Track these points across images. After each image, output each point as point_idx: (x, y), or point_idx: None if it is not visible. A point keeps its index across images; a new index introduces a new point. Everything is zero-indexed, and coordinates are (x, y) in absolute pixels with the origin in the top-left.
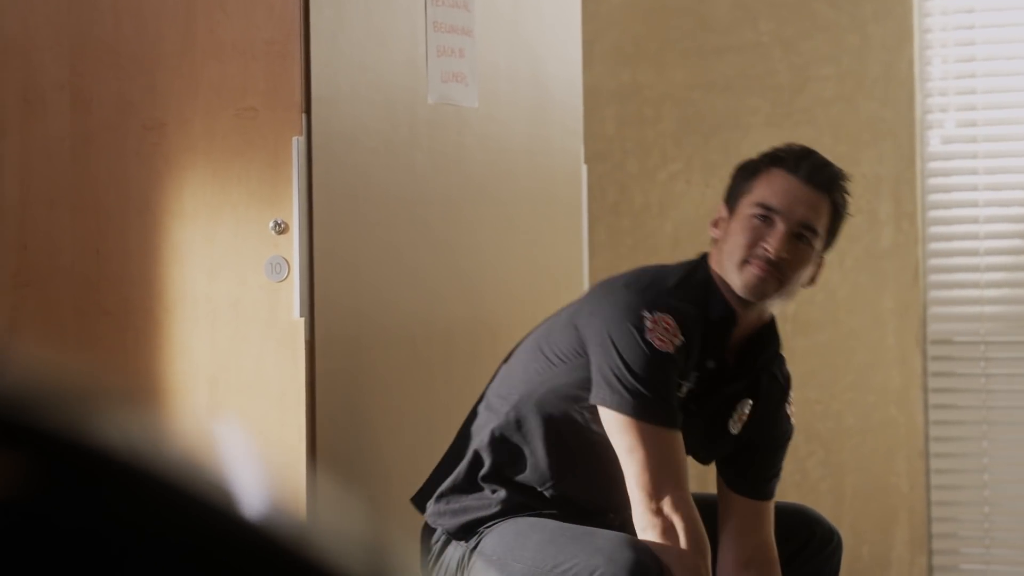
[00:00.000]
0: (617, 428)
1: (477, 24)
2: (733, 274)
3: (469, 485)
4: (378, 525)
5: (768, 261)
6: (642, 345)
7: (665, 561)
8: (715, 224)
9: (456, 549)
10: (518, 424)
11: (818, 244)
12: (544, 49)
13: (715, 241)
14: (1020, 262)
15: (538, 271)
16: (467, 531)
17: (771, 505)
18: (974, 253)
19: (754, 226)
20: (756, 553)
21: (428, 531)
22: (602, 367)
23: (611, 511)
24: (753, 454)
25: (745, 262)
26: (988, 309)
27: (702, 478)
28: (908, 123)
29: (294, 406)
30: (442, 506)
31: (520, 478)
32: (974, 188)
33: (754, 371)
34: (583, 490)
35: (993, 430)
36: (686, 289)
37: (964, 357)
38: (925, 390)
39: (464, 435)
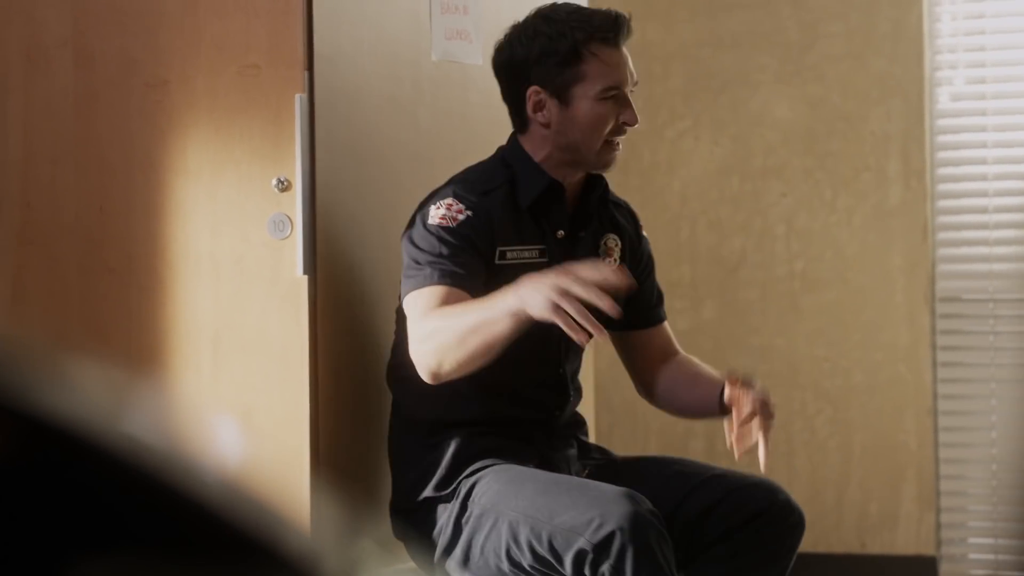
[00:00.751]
0: (406, 309)
1: None
2: (593, 157)
3: (413, 449)
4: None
5: (625, 130)
6: (422, 229)
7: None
8: (537, 109)
9: (443, 509)
10: (400, 370)
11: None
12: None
13: (533, 124)
14: None
15: None
16: (444, 485)
17: (666, 328)
18: (983, 211)
19: (610, 110)
20: (669, 359)
21: (404, 512)
22: (403, 267)
23: (528, 391)
24: (634, 295)
25: (608, 143)
26: (996, 267)
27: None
28: (917, 80)
29: (297, 363)
30: (410, 474)
31: (436, 414)
32: (983, 145)
33: (596, 211)
34: (496, 393)
35: (1001, 388)
36: (475, 173)
37: (972, 315)
38: (933, 348)
39: (399, 393)
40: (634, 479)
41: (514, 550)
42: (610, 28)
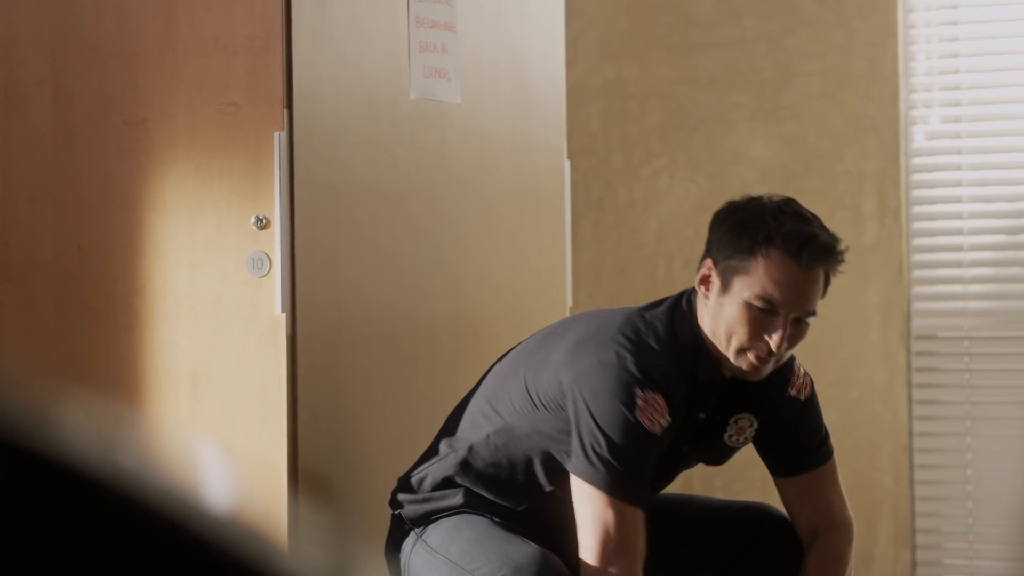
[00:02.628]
0: (583, 497)
1: (460, 20)
2: (729, 356)
3: (441, 483)
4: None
5: (770, 354)
6: (631, 422)
7: None
8: (703, 282)
9: (411, 537)
10: (497, 448)
11: (815, 317)
12: (527, 45)
13: (702, 297)
14: (1004, 258)
15: (521, 267)
16: (423, 521)
17: (821, 473)
18: (958, 249)
19: (755, 318)
20: (815, 516)
21: (394, 519)
22: (583, 436)
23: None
24: (779, 441)
25: (744, 352)
26: (972, 305)
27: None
28: (892, 119)
29: (276, 402)
30: (409, 495)
31: (490, 492)
32: (958, 184)
33: (741, 393)
34: (550, 510)
35: (977, 425)
36: (674, 356)
37: (948, 352)
38: (909, 385)
39: (445, 433)
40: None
41: None
42: (798, 242)
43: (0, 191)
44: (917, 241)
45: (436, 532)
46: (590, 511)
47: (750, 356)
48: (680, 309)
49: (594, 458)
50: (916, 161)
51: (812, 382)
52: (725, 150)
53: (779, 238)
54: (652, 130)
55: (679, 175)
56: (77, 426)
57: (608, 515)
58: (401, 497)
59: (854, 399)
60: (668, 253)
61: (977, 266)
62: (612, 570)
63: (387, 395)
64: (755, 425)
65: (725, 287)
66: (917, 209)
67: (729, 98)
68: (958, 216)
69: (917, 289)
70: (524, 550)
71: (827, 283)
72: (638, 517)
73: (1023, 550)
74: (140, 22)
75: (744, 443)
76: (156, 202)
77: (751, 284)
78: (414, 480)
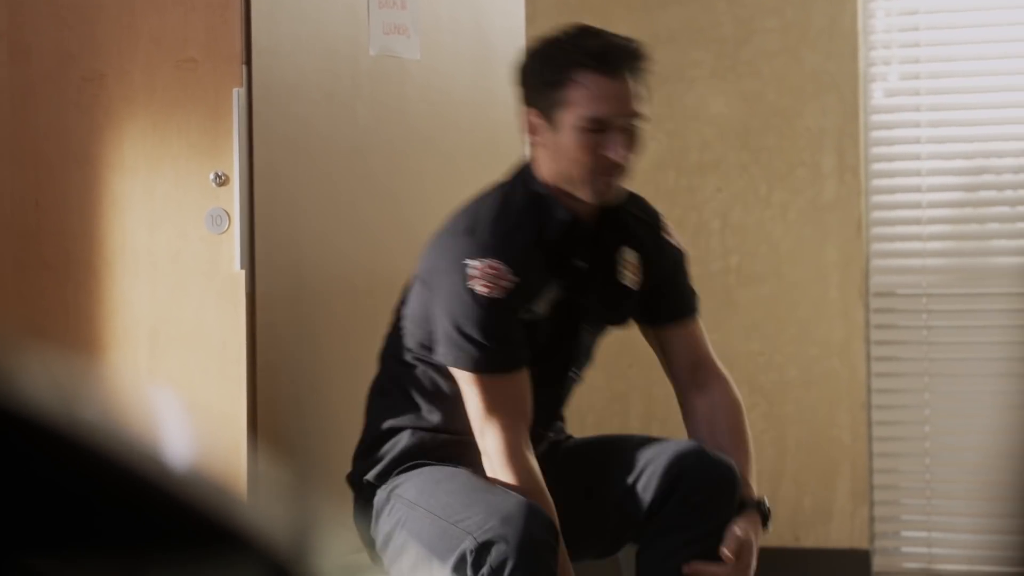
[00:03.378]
0: (459, 380)
1: None
2: (581, 188)
3: (384, 432)
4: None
5: (615, 166)
6: (471, 294)
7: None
8: (531, 131)
9: (379, 495)
10: (396, 378)
11: (645, 118)
12: (487, 1)
13: (536, 147)
14: (962, 215)
15: None
16: (384, 476)
17: (697, 323)
18: (916, 206)
19: (589, 141)
20: (697, 361)
21: (355, 487)
22: (440, 324)
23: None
24: (657, 287)
25: (593, 174)
26: (930, 262)
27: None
28: (851, 76)
29: (235, 358)
30: (363, 461)
31: (428, 422)
32: (917, 141)
33: (614, 229)
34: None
35: (935, 382)
36: (511, 216)
37: (906, 309)
38: (867, 342)
39: (374, 400)
40: (572, 465)
41: (424, 547)
42: (599, 55)
43: None
44: (876, 198)
45: (410, 485)
46: (466, 391)
47: (601, 177)
48: (516, 174)
49: (450, 341)
50: (875, 118)
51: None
52: (685, 107)
53: (581, 58)
54: None
55: None
56: (36, 380)
57: (478, 390)
58: (358, 466)
59: (813, 356)
60: None
61: (935, 223)
62: (486, 438)
63: (347, 351)
64: (639, 262)
65: (553, 125)
66: (876, 166)
67: (689, 55)
68: (917, 173)
69: (876, 246)
70: (509, 500)
71: (646, 84)
72: (511, 382)
73: (980, 505)
74: None
75: (635, 285)
76: (114, 158)
77: (574, 111)
78: (362, 447)
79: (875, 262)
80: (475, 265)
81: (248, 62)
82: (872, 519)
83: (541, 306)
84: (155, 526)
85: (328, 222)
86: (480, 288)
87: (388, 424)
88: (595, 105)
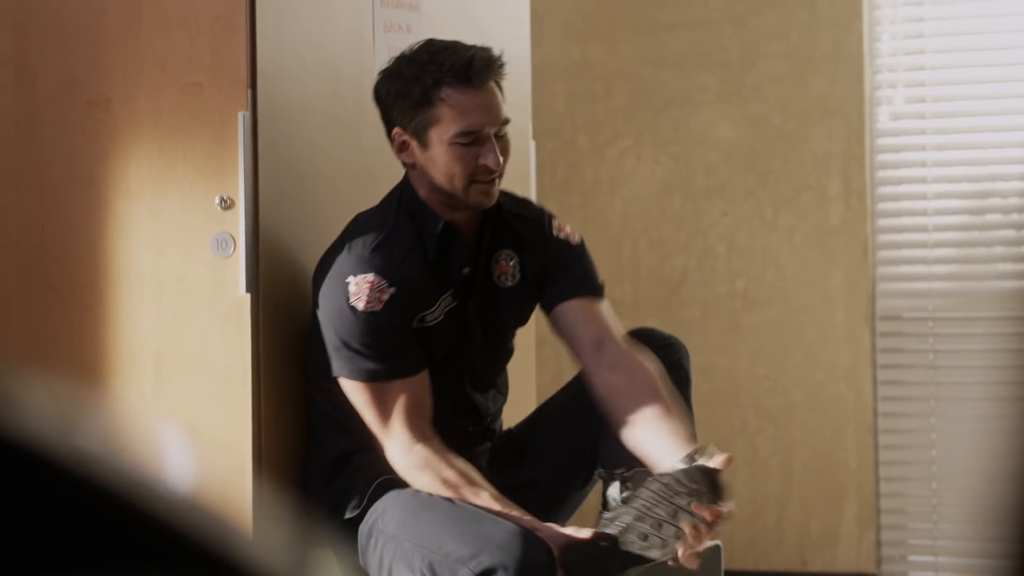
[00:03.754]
0: (347, 392)
1: (424, 0)
2: (460, 197)
3: (328, 470)
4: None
5: (490, 172)
6: (351, 310)
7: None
8: (402, 150)
9: (360, 529)
10: (321, 408)
11: (509, 123)
12: (492, 25)
13: (409, 164)
14: (968, 238)
15: None
16: (356, 509)
17: (600, 304)
18: (923, 229)
19: (464, 154)
20: (600, 338)
21: (331, 530)
22: (328, 340)
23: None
24: (549, 278)
25: (469, 184)
26: (936, 285)
27: None
28: (857, 100)
29: (240, 382)
30: (326, 501)
31: (353, 444)
32: (923, 164)
33: (494, 233)
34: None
35: (941, 406)
36: (385, 233)
37: (912, 333)
38: (874, 366)
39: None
40: (532, 440)
41: None
42: (461, 70)
43: None
44: (882, 222)
45: (389, 518)
46: (357, 401)
47: (477, 186)
48: (393, 192)
49: (338, 354)
50: (881, 142)
51: (582, 239)
52: (691, 131)
53: (443, 76)
54: (618, 111)
55: (645, 156)
56: (38, 407)
57: (368, 399)
58: (326, 508)
59: (819, 380)
60: (634, 234)
61: (942, 247)
62: (387, 447)
63: None
64: (517, 260)
65: (424, 143)
66: (882, 190)
67: (694, 79)
68: (923, 197)
69: (882, 270)
70: (500, 528)
71: (501, 89)
72: (402, 388)
73: (987, 530)
74: (103, 2)
75: (514, 282)
76: (120, 182)
77: (445, 128)
78: (317, 485)
79: (881, 286)
80: (354, 281)
81: (253, 86)
82: (879, 543)
83: (434, 314)
84: (152, 557)
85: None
86: (360, 304)
87: (333, 454)
88: (464, 119)
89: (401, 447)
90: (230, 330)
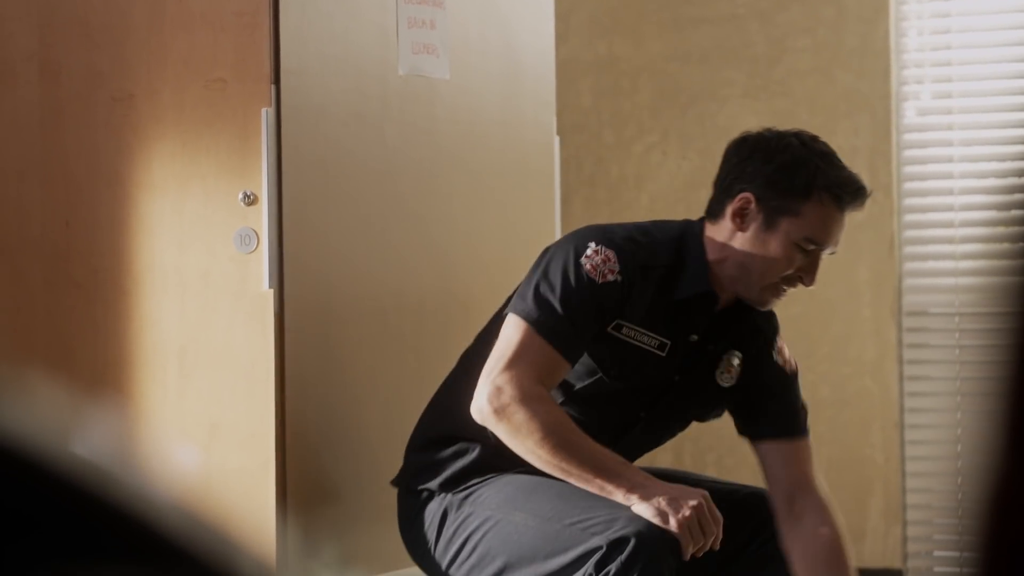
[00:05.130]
0: (506, 324)
1: None
2: (754, 288)
3: (446, 440)
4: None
5: (794, 286)
6: (576, 265)
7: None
8: (737, 214)
9: (439, 503)
10: (468, 389)
11: None
12: (516, 21)
13: (731, 229)
14: (995, 233)
15: (510, 243)
16: (453, 483)
17: (800, 444)
18: (949, 225)
19: (796, 259)
20: (794, 486)
21: (406, 494)
22: (528, 281)
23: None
24: (754, 401)
25: (777, 286)
26: (962, 280)
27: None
28: (884, 95)
29: (263, 378)
30: (421, 462)
31: (482, 435)
32: (949, 160)
33: (737, 331)
34: None
35: (967, 401)
36: (650, 242)
37: (939, 328)
38: (900, 361)
39: (443, 393)
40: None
41: (517, 551)
42: (848, 190)
43: None
44: (908, 217)
45: (492, 493)
46: (507, 334)
47: (774, 289)
48: (683, 225)
49: (529, 295)
50: (907, 137)
51: (797, 365)
52: (717, 126)
53: (832, 185)
54: (644, 106)
55: (671, 151)
56: (42, 409)
57: (520, 337)
58: (413, 472)
59: (845, 375)
60: None
61: (968, 242)
62: (499, 376)
63: (375, 372)
64: (740, 362)
65: (770, 224)
66: (908, 185)
67: (721, 74)
68: (949, 192)
69: (908, 265)
70: (624, 506)
71: None
72: (553, 356)
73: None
74: None
75: (729, 384)
76: (143, 178)
77: (802, 227)
78: (418, 444)
79: (907, 281)
80: (594, 248)
81: (277, 82)
82: (905, 539)
83: (634, 335)
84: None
85: (356, 241)
86: (586, 265)
87: (451, 430)
88: (819, 231)
89: (519, 380)
90: (253, 326)
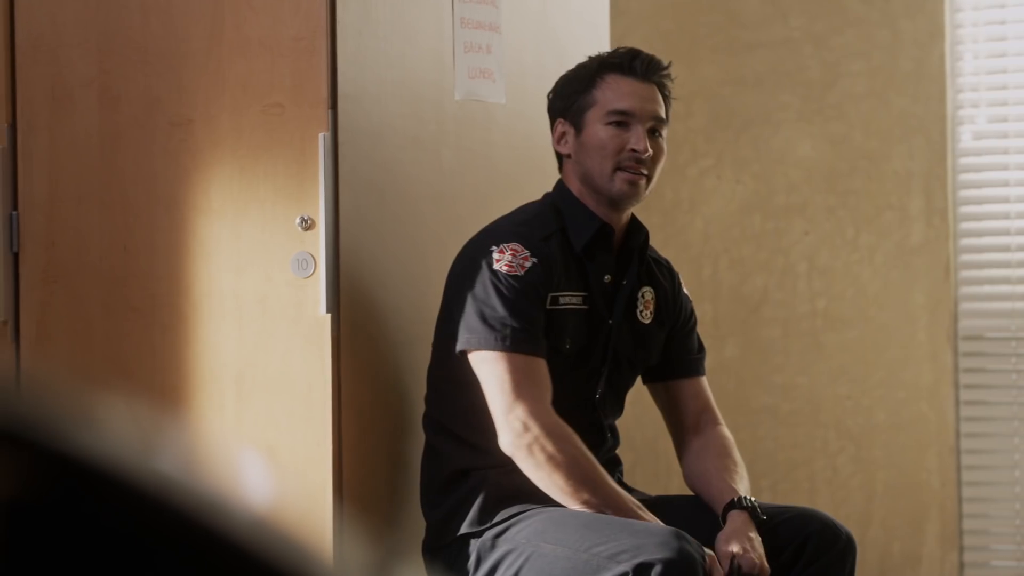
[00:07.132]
0: (475, 365)
1: (504, 20)
2: (605, 184)
3: (460, 476)
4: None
5: (638, 161)
6: (491, 278)
7: (533, 463)
8: (560, 141)
9: (471, 548)
10: (441, 406)
11: (667, 133)
12: (572, 45)
13: (566, 158)
14: None
15: None
16: (485, 516)
17: (704, 381)
18: (1006, 249)
19: (614, 134)
20: (701, 415)
21: (436, 551)
22: (464, 314)
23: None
24: (673, 336)
25: (616, 170)
26: (1020, 305)
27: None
28: (939, 118)
29: (321, 403)
30: (444, 513)
31: (478, 459)
32: (1006, 184)
33: (636, 260)
34: None
35: None
36: (529, 217)
37: (995, 353)
38: (956, 386)
39: (436, 434)
40: (674, 518)
41: None
42: (626, 60)
43: (47, 192)
44: (964, 241)
45: (522, 527)
46: (487, 375)
47: (624, 173)
48: (546, 194)
49: (470, 327)
50: (963, 161)
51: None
52: (771, 150)
53: (612, 62)
54: (698, 130)
55: (725, 175)
56: (117, 429)
57: (502, 369)
58: (438, 524)
59: (901, 400)
60: (714, 253)
61: None
62: (517, 412)
63: None
64: (655, 300)
65: (580, 127)
66: (964, 209)
67: (775, 98)
68: (1006, 216)
69: (964, 289)
70: (651, 527)
71: (668, 103)
72: (535, 365)
73: None
74: (185, 23)
75: (650, 322)
76: (201, 203)
77: (600, 108)
78: (432, 498)
79: (963, 305)
80: (498, 249)
81: (334, 107)
82: (962, 565)
83: (569, 299)
84: None
85: (413, 266)
86: (503, 268)
87: (450, 469)
88: (620, 100)
89: (538, 415)
90: (311, 350)
